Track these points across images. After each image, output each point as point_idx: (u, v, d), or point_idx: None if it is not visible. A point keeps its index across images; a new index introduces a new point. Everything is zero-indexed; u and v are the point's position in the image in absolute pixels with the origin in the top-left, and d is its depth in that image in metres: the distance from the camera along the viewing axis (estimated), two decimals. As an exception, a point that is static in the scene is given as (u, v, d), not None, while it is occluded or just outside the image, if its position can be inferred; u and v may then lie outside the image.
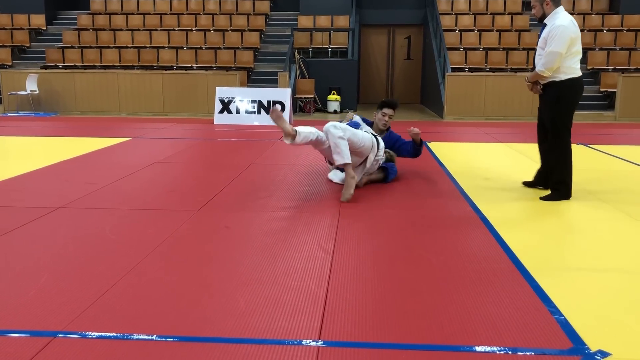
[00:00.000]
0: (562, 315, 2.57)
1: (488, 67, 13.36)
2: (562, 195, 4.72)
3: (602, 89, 12.92)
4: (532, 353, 2.24)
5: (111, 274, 3.03)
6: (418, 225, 4.02)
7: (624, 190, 5.04)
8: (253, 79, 13.82)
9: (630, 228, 3.98)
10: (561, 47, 4.45)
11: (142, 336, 2.36)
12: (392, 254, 3.41)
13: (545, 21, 4.65)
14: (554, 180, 4.76)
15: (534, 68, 4.77)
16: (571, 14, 15.97)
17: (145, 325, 2.45)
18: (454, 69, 12.89)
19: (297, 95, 13.23)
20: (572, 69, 4.57)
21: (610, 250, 3.51)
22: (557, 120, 4.65)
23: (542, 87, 4.74)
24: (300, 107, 13.37)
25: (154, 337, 2.35)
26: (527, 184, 5.20)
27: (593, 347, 2.29)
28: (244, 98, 11.04)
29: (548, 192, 4.87)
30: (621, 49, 13.76)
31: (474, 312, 2.60)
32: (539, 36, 4.76)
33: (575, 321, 2.51)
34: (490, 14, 15.03)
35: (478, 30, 14.48)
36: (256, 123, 10.74)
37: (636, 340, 2.37)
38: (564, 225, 4.08)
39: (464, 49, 13.98)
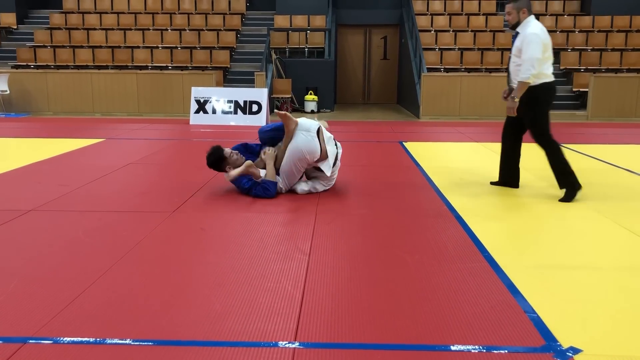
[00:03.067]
0: (535, 313, 2.61)
1: (463, 67, 13.50)
2: (574, 188, 4.73)
3: (574, 89, 13.15)
4: (506, 351, 2.27)
5: (84, 278, 2.98)
6: (394, 224, 4.04)
7: (595, 189, 5.13)
8: (229, 78, 13.75)
9: (601, 225, 4.06)
10: (537, 52, 4.58)
11: (116, 340, 2.33)
12: (368, 253, 3.42)
13: (517, 29, 4.77)
14: (559, 177, 4.78)
15: (508, 75, 4.89)
16: (543, 15, 16.11)
17: (119, 329, 2.42)
18: (429, 69, 12.99)
19: (274, 95, 13.20)
20: (545, 75, 4.69)
21: (581, 248, 3.57)
22: (538, 120, 4.77)
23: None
24: (277, 107, 13.34)
25: (128, 341, 2.32)
26: (494, 184, 5.31)
27: (565, 344, 2.32)
28: (220, 98, 10.97)
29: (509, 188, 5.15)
30: (592, 50, 14.02)
31: (448, 311, 2.62)
32: (512, 45, 4.85)
33: (548, 318, 2.55)
34: (466, 14, 15.19)
35: (453, 31, 14.62)
36: (232, 123, 10.69)
37: (606, 336, 2.41)
38: (537, 223, 4.14)
39: (439, 49, 14.10)
